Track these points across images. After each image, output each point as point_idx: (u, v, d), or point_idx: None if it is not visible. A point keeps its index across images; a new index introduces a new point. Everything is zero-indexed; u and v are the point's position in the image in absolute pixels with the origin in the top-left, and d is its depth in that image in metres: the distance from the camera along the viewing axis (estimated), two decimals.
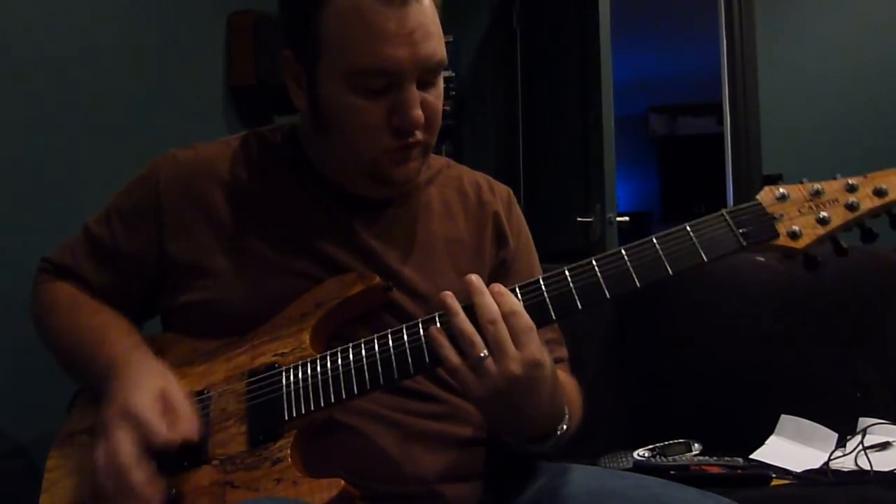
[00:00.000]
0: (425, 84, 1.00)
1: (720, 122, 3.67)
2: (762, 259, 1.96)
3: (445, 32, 1.03)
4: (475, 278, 0.89)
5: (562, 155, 3.27)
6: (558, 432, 0.95)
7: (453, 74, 3.51)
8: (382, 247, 1.08)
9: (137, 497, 0.89)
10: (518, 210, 1.22)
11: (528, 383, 0.86)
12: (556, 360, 1.11)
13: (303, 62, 1.03)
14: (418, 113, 0.99)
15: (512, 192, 1.23)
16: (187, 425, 0.94)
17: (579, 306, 0.90)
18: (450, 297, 0.90)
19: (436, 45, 0.99)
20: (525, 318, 0.87)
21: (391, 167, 1.03)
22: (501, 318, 0.86)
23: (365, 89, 0.98)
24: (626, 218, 2.87)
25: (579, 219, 2.91)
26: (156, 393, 0.95)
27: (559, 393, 0.92)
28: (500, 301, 0.88)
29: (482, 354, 0.86)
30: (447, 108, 3.44)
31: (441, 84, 1.04)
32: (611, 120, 2.79)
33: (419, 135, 1.02)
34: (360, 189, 1.08)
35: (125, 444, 0.90)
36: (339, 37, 0.97)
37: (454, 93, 3.50)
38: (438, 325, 0.91)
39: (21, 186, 1.60)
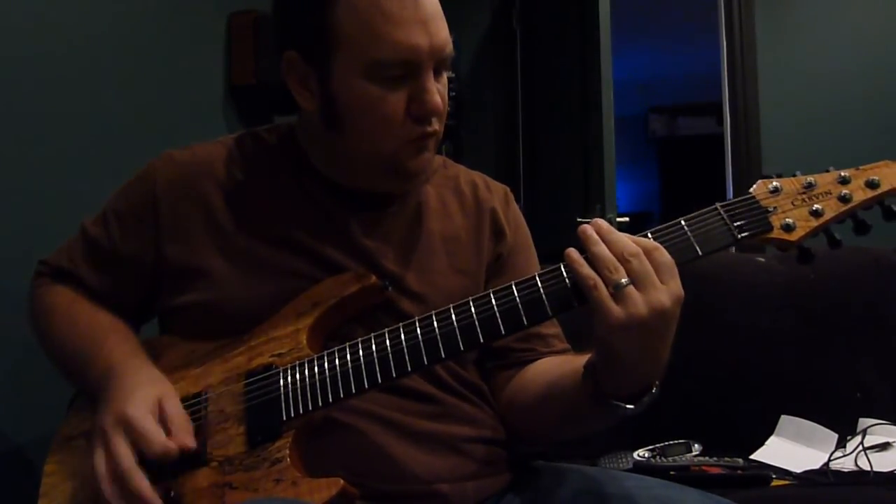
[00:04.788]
0: (436, 73, 1.01)
1: (720, 122, 3.66)
2: (762, 259, 1.96)
3: None
4: (588, 228, 0.85)
5: (562, 155, 3.27)
6: (654, 390, 0.90)
7: (453, 75, 3.50)
8: (379, 246, 1.07)
9: (142, 501, 0.89)
10: (516, 207, 1.22)
11: (671, 320, 0.84)
12: (562, 353, 1.13)
13: (312, 61, 1.02)
14: (437, 99, 1.00)
15: (509, 190, 1.23)
16: (183, 435, 0.94)
17: (575, 304, 0.89)
18: (588, 228, 0.86)
19: (447, 33, 1.01)
20: (667, 255, 0.85)
21: (409, 158, 1.04)
22: (643, 252, 0.84)
23: (385, 78, 0.98)
24: (626, 218, 2.87)
25: (579, 219, 2.91)
26: (152, 401, 0.95)
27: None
28: (635, 240, 0.85)
29: (623, 281, 0.83)
30: (447, 108, 3.44)
31: (445, 75, 1.05)
32: (611, 120, 2.78)
33: (435, 123, 1.02)
34: (376, 185, 1.08)
35: (124, 452, 0.90)
36: (356, 29, 0.97)
37: (454, 93, 3.49)
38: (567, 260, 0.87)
39: (21, 186, 1.60)
